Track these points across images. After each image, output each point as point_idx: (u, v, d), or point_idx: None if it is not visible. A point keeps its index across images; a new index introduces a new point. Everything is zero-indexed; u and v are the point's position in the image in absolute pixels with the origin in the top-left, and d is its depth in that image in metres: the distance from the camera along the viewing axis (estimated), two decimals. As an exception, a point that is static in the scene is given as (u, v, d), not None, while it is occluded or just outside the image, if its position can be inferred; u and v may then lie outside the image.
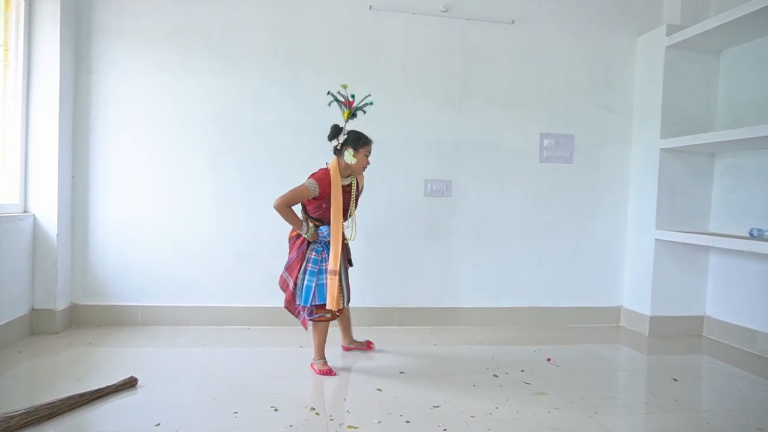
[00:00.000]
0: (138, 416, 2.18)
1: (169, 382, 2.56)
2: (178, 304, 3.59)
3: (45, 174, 3.28)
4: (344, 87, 2.81)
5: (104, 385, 2.39)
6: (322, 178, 2.71)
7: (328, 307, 2.68)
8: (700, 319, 3.90)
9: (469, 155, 3.87)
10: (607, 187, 4.06)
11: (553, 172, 3.99)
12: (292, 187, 2.71)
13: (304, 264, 2.75)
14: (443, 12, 3.77)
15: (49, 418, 2.10)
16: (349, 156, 2.72)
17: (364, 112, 2.85)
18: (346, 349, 3.15)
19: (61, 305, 3.36)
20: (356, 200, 2.88)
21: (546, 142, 3.96)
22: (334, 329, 3.24)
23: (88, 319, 3.51)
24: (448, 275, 3.88)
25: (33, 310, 3.29)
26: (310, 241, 2.76)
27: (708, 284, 3.89)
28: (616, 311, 4.10)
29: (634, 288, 4.00)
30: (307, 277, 2.72)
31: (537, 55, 3.93)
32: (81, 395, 2.27)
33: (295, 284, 2.74)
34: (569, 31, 3.96)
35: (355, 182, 2.87)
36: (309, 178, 2.73)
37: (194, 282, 3.60)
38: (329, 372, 2.76)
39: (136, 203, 3.55)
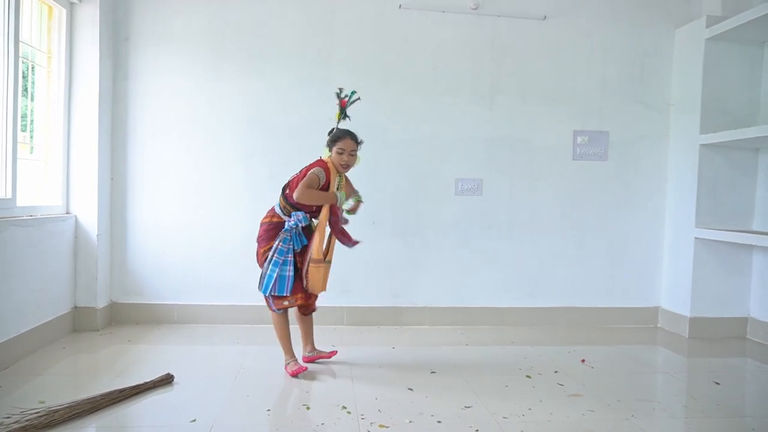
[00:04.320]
0: (174, 412, 2.23)
1: (204, 379, 2.62)
2: (212, 303, 3.66)
3: (86, 176, 3.39)
4: (339, 91, 2.84)
5: (142, 381, 2.46)
6: (326, 167, 2.70)
7: (311, 290, 2.68)
8: (743, 321, 3.75)
9: (501, 153, 3.83)
10: (644, 185, 3.95)
11: (587, 170, 3.90)
12: (303, 182, 2.63)
13: (271, 254, 2.66)
14: (473, 9, 3.74)
15: (91, 413, 2.17)
16: (324, 152, 2.75)
17: (353, 100, 2.85)
18: (308, 360, 2.89)
19: (101, 303, 3.48)
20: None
21: (579, 139, 3.88)
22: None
23: (127, 316, 3.61)
24: (480, 275, 3.84)
25: (75, 307, 3.40)
26: (339, 206, 2.72)
27: (752, 284, 3.74)
28: (654, 312, 3.99)
29: (672, 288, 3.89)
30: (270, 266, 2.64)
31: (570, 50, 3.86)
32: (121, 390, 2.34)
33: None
34: (603, 25, 3.87)
35: (342, 185, 2.80)
36: (312, 167, 2.68)
37: (228, 281, 3.66)
38: (300, 370, 2.69)
39: (171, 204, 3.63)
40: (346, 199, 2.85)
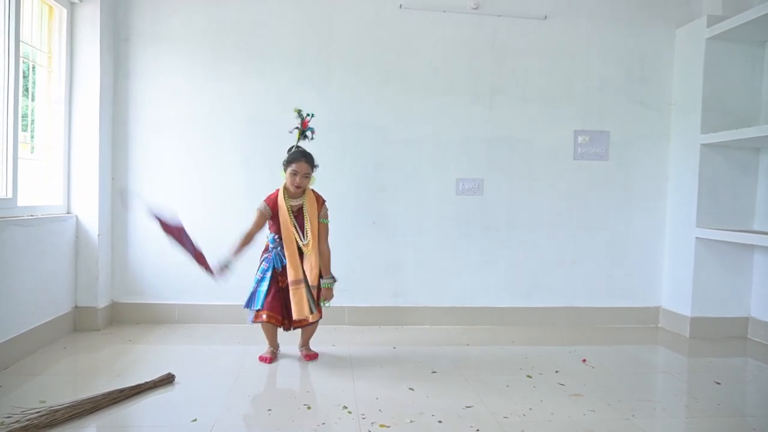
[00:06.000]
0: (175, 411, 2.23)
1: (204, 378, 2.62)
2: (213, 303, 3.66)
3: (86, 176, 3.39)
4: (297, 111, 2.95)
5: (143, 381, 2.46)
6: (271, 197, 2.86)
7: (295, 316, 2.75)
8: (744, 321, 3.75)
9: (501, 153, 3.83)
10: (644, 184, 3.95)
11: (588, 170, 3.90)
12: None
13: (256, 270, 2.90)
14: (474, 9, 3.74)
15: (92, 412, 2.17)
16: (281, 173, 2.85)
17: (312, 138, 2.96)
18: (301, 353, 3.02)
19: (102, 303, 3.48)
20: (307, 224, 2.82)
21: (580, 138, 3.88)
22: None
23: (128, 316, 3.62)
24: (481, 274, 3.84)
25: (76, 307, 3.41)
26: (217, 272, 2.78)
27: (752, 284, 3.74)
28: (654, 312, 3.99)
29: (673, 288, 3.89)
30: (253, 283, 2.87)
31: (570, 50, 3.86)
32: (121, 390, 2.34)
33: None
34: (603, 25, 3.87)
35: (305, 206, 2.83)
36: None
37: (229, 281, 3.65)
38: (265, 359, 2.87)
39: (172, 204, 3.62)
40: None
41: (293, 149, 2.89)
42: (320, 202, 2.92)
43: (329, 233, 2.95)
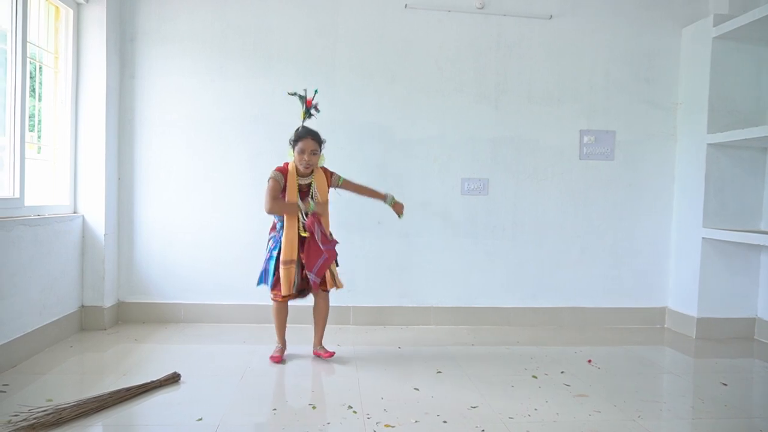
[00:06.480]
0: (181, 411, 2.24)
1: (210, 378, 2.63)
2: (219, 302, 3.67)
3: (93, 176, 3.41)
4: (301, 92, 2.94)
5: (149, 380, 2.47)
6: (284, 168, 2.82)
7: (282, 293, 2.79)
8: (751, 321, 3.73)
9: (507, 153, 3.82)
10: (651, 184, 3.94)
11: (594, 169, 3.89)
12: (266, 193, 2.75)
13: (265, 250, 2.93)
14: (479, 9, 3.73)
15: (98, 411, 2.18)
16: (289, 152, 2.84)
17: (318, 111, 2.95)
18: (316, 354, 2.99)
19: (108, 302, 3.49)
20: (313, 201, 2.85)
21: (586, 138, 3.87)
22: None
23: (134, 315, 3.63)
24: (486, 274, 3.84)
25: (83, 306, 3.42)
26: (314, 211, 2.77)
27: (760, 285, 3.72)
28: (661, 312, 3.97)
29: (679, 288, 3.87)
30: (264, 261, 2.90)
31: (575, 49, 3.85)
32: (127, 389, 2.35)
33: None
34: (609, 24, 3.86)
35: (314, 186, 2.85)
36: (273, 171, 2.82)
37: (235, 281, 3.67)
38: (275, 359, 2.87)
39: (178, 204, 3.65)
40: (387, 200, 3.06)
41: (299, 129, 2.86)
42: (328, 174, 2.93)
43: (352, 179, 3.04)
